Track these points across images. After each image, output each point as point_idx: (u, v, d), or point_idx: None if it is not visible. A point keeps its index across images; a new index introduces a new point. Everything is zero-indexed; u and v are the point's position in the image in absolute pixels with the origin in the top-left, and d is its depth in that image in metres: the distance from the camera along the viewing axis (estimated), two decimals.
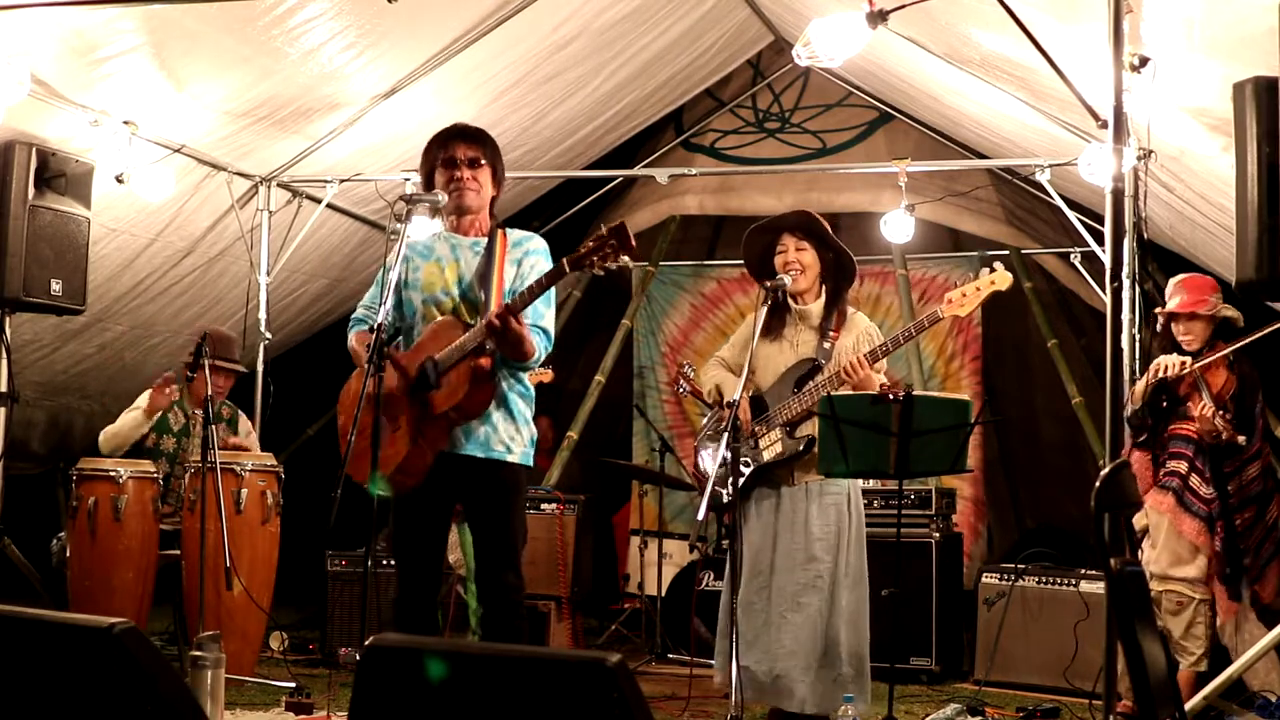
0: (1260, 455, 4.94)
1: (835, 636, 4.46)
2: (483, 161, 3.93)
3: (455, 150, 3.92)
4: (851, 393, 4.38)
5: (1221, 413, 4.77)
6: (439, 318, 3.86)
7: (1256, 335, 4.76)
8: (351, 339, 4.00)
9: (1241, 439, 4.77)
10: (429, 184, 3.98)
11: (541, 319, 3.84)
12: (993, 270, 4.51)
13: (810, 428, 4.52)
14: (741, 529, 4.57)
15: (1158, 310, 5.10)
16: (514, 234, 3.98)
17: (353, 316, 4.08)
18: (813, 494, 4.55)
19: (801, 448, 4.51)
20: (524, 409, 3.93)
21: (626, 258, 3.57)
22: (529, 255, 3.93)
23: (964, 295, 4.47)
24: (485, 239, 3.94)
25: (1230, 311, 4.96)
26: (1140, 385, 4.94)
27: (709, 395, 4.80)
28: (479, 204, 3.95)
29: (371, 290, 4.09)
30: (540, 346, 3.81)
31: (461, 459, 3.82)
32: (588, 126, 7.58)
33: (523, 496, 3.97)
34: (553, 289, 3.77)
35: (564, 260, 3.63)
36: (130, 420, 5.88)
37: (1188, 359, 4.86)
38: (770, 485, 4.61)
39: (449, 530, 4.13)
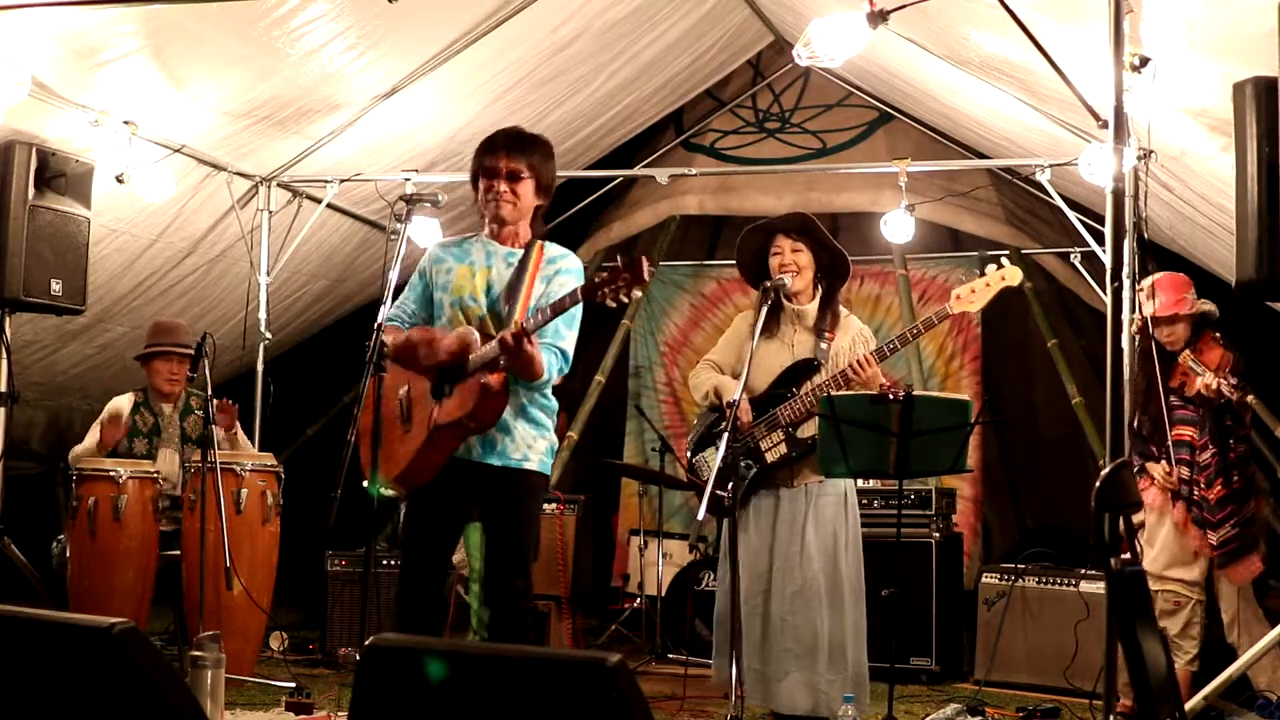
0: (1248, 439, 5.01)
1: (838, 638, 4.46)
2: (524, 175, 3.86)
3: (497, 161, 3.87)
4: (851, 393, 4.38)
5: (1225, 379, 4.77)
6: (462, 321, 3.85)
7: None
8: (384, 336, 3.95)
9: (1251, 397, 4.83)
10: (475, 185, 3.94)
11: (561, 339, 3.81)
12: (1000, 266, 4.53)
13: (812, 428, 4.52)
14: (738, 532, 4.57)
15: (1137, 315, 5.06)
16: (550, 250, 3.95)
17: (386, 315, 4.02)
18: (811, 495, 4.56)
19: (806, 449, 4.52)
20: (543, 418, 3.93)
21: (638, 291, 3.57)
22: (560, 274, 3.89)
23: (973, 291, 4.51)
24: (522, 251, 3.92)
25: (1207, 305, 4.97)
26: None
27: (704, 399, 4.77)
28: (515, 216, 3.90)
29: (405, 291, 4.05)
30: (553, 367, 3.79)
31: (480, 467, 3.82)
32: (588, 127, 7.58)
33: (538, 503, 3.96)
34: (577, 311, 3.76)
35: (577, 288, 3.62)
36: (86, 449, 5.88)
37: (1169, 468, 4.92)
38: (770, 487, 4.61)
39: (460, 533, 4.13)
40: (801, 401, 4.54)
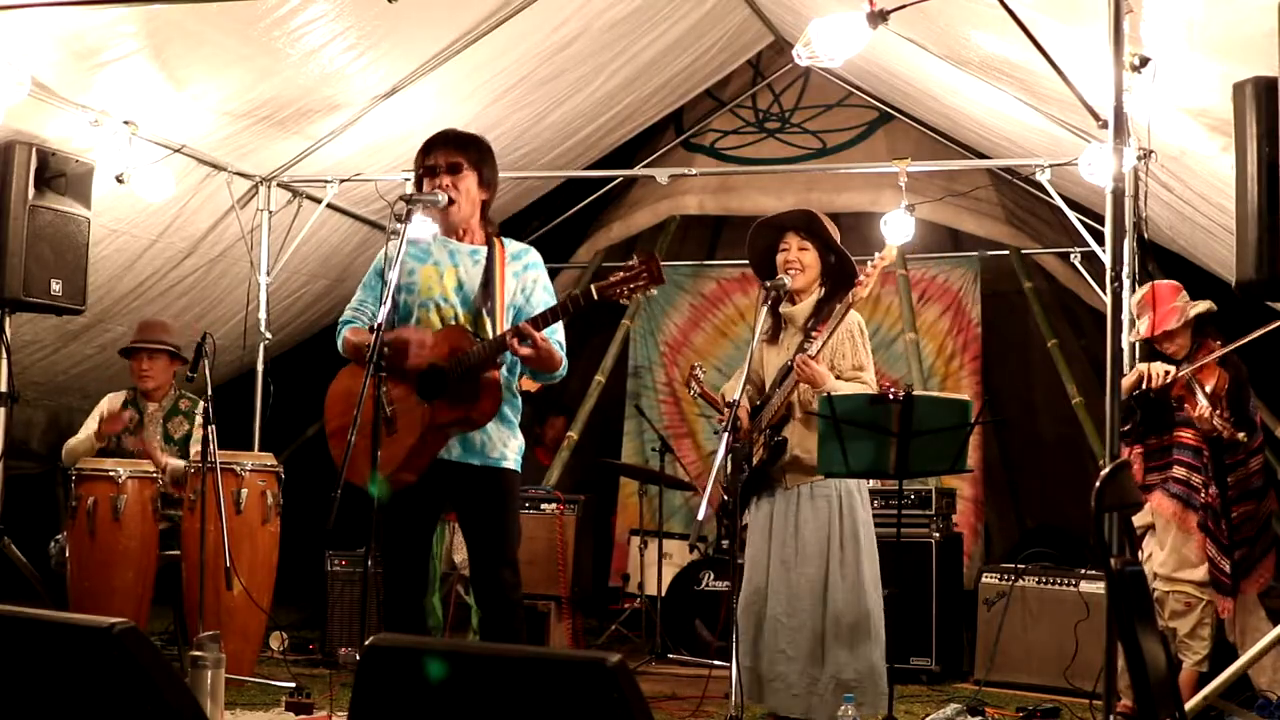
0: (1262, 449, 4.94)
1: (840, 638, 4.44)
2: (464, 167, 3.91)
3: (435, 158, 3.93)
4: (851, 393, 4.38)
5: (1218, 411, 4.76)
6: (436, 323, 3.87)
7: (1253, 336, 4.72)
8: (347, 334, 3.98)
9: (1242, 435, 4.75)
10: (419, 189, 3.99)
11: (557, 332, 3.86)
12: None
13: (787, 430, 4.54)
14: (740, 533, 4.58)
15: (1132, 337, 5.05)
16: (511, 245, 4.00)
17: (341, 318, 4.08)
18: (804, 497, 4.55)
19: (778, 448, 4.54)
20: (514, 419, 3.97)
21: (654, 290, 3.61)
22: (529, 269, 3.96)
23: (866, 276, 4.54)
24: (484, 248, 3.95)
25: (1201, 307, 4.93)
26: (1128, 381, 4.92)
27: (720, 402, 4.82)
28: (460, 212, 3.93)
29: (359, 293, 4.08)
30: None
31: (459, 466, 3.84)
32: (588, 127, 7.58)
33: (517, 499, 4.01)
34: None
35: (593, 287, 3.65)
36: (83, 444, 5.89)
37: (1173, 368, 4.82)
38: (766, 489, 4.62)
39: (434, 534, 4.14)
40: (771, 404, 4.58)
